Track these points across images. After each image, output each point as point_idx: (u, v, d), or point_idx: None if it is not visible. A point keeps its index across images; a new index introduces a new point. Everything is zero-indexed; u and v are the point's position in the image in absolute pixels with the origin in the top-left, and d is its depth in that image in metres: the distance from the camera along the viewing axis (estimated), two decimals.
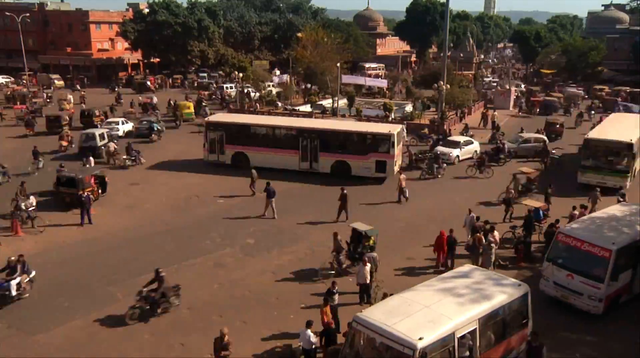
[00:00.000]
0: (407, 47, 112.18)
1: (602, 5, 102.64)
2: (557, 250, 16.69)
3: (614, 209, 19.18)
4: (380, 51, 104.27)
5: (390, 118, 45.41)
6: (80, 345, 14.38)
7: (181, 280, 17.97)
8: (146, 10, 76.03)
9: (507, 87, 63.14)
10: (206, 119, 33.97)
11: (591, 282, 15.47)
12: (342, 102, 50.47)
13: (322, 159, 29.80)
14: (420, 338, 10.64)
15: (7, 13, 74.25)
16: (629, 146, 27.22)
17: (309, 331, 13.29)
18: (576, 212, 21.29)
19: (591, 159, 27.93)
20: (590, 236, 16.22)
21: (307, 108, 50.57)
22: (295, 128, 30.80)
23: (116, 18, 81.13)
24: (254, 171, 27.20)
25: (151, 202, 25.81)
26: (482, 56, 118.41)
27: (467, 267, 14.61)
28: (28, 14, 70.40)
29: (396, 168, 29.50)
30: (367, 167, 29.15)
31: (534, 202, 23.02)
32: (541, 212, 21.94)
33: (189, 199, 26.24)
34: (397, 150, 29.61)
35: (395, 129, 30.10)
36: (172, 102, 49.77)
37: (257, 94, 56.25)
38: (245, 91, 55.13)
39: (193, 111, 46.17)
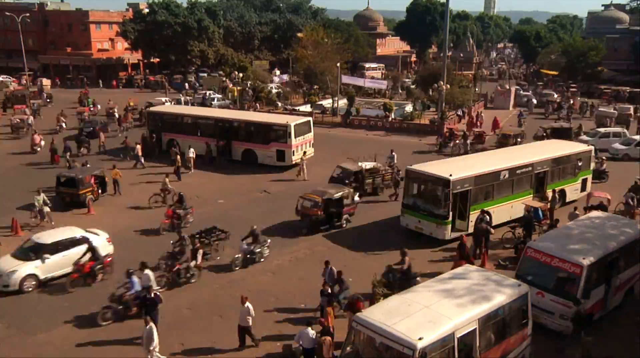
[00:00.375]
0: (407, 47, 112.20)
1: (602, 5, 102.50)
2: (526, 266, 15.64)
3: (585, 220, 18.19)
4: (380, 50, 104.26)
5: (390, 118, 45.49)
6: (80, 345, 14.39)
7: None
8: (146, 10, 75.99)
9: (507, 87, 63.16)
10: (147, 109, 38.46)
11: (562, 300, 14.55)
12: (342, 102, 50.53)
13: (234, 147, 32.39)
14: (420, 338, 10.68)
15: (7, 13, 74.26)
16: (446, 183, 20.23)
17: (309, 329, 13.30)
18: (578, 212, 21.32)
19: (412, 196, 21.77)
20: (560, 251, 15.23)
21: (307, 108, 50.59)
22: (213, 118, 33.97)
23: (116, 18, 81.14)
24: (178, 156, 29.71)
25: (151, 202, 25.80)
26: (483, 56, 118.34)
27: (467, 268, 14.60)
28: (28, 14, 70.43)
29: (295, 157, 30.93)
30: (269, 156, 31.46)
31: (533, 202, 23.02)
32: (541, 212, 21.95)
33: (189, 200, 26.20)
34: (298, 141, 31.35)
35: (294, 120, 32.18)
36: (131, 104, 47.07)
37: (252, 92, 55.92)
38: (250, 91, 54.92)
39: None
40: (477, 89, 60.82)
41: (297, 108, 49.86)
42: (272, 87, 58.54)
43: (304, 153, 31.63)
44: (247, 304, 14.21)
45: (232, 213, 24.27)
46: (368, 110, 49.78)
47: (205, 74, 74.64)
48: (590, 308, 14.89)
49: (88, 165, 28.54)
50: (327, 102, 52.30)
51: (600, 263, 15.04)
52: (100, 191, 25.80)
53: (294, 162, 30.83)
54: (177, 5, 74.24)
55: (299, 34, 72.00)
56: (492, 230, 20.13)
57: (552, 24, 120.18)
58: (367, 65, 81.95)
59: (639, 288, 16.97)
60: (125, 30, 72.94)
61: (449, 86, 47.23)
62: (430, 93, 52.00)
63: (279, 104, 52.25)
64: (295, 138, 31.00)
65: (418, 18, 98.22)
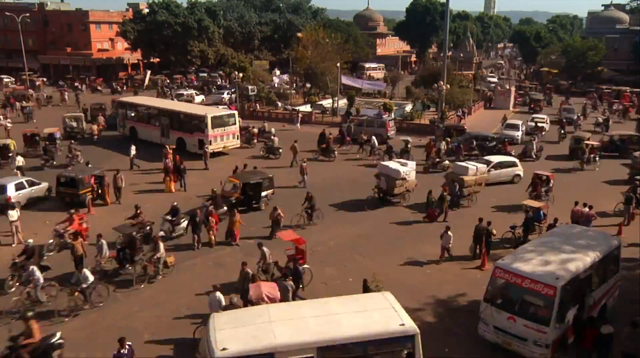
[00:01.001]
0: (407, 47, 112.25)
1: (602, 5, 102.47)
2: (495, 289, 14.33)
3: (554, 235, 16.83)
4: (380, 50, 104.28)
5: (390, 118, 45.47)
6: (81, 345, 14.39)
7: (181, 280, 18.06)
8: (146, 11, 76.09)
9: (507, 87, 63.19)
10: (117, 99, 43.06)
11: (535, 325, 13.29)
12: (342, 102, 50.55)
13: (171, 135, 35.31)
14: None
15: (7, 13, 74.39)
16: None
17: (218, 293, 14.46)
18: (578, 208, 21.32)
19: None
20: (531, 271, 13.84)
21: (307, 108, 50.61)
22: (157, 108, 37.07)
23: (116, 18, 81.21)
24: (133, 146, 31.59)
25: (151, 202, 25.78)
26: (483, 56, 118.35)
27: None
28: (28, 14, 70.56)
29: (213, 147, 33.03)
30: (194, 144, 33.76)
31: (533, 202, 23.02)
32: (541, 212, 21.95)
33: (189, 200, 26.22)
34: (216, 132, 33.43)
35: (212, 112, 34.79)
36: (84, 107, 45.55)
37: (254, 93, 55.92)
38: (252, 91, 54.93)
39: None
40: (483, 89, 60.74)
41: (297, 108, 49.85)
42: (275, 83, 58.45)
43: (224, 146, 34.11)
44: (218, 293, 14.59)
45: None
46: (368, 110, 49.77)
47: (205, 74, 74.75)
48: (565, 332, 13.77)
49: (89, 165, 28.50)
50: (327, 102, 52.32)
51: (573, 282, 13.87)
52: (99, 191, 25.65)
53: (212, 151, 32.74)
54: (177, 5, 74.33)
55: (299, 34, 72.00)
56: (494, 231, 20.17)
57: (552, 24, 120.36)
58: (367, 65, 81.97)
59: (611, 304, 16.14)
60: (125, 30, 73.00)
61: (449, 86, 47.23)
62: (427, 93, 51.97)
63: (279, 104, 52.25)
64: (212, 128, 33.10)
65: (418, 18, 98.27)
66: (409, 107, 50.11)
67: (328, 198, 26.15)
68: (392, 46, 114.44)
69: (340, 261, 19.60)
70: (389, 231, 22.52)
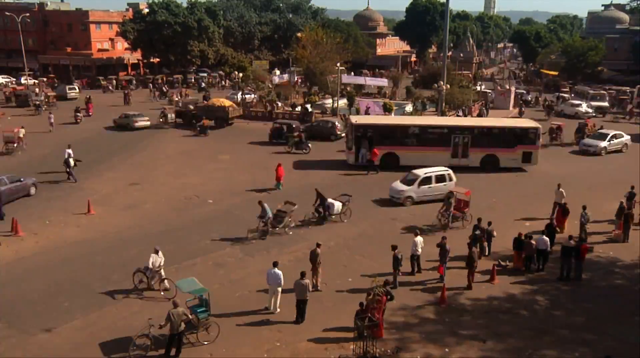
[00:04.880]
0: (407, 47, 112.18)
1: (602, 5, 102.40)
2: None
3: None
4: (380, 50, 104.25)
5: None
6: (80, 345, 14.39)
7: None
8: (146, 10, 75.99)
9: (507, 87, 63.12)
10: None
11: None
12: (342, 102, 50.51)
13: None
14: None
15: (7, 13, 74.38)
16: None
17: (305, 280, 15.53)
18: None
19: None
20: None
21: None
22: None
23: (116, 18, 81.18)
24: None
25: (151, 202, 25.82)
26: (483, 56, 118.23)
27: None
28: (28, 14, 70.47)
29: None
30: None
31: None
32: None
33: (189, 200, 26.25)
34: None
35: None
36: None
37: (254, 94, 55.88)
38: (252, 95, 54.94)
39: None
40: (485, 88, 60.56)
41: (298, 108, 49.79)
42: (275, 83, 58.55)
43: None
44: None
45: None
46: (371, 104, 49.73)
47: (206, 74, 74.67)
48: None
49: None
50: (327, 102, 52.29)
51: None
52: None
53: None
54: (177, 5, 74.24)
55: (299, 34, 71.93)
56: (494, 232, 20.20)
57: (552, 24, 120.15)
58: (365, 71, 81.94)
59: None
60: (125, 30, 72.94)
61: (449, 86, 47.21)
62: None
63: (279, 104, 52.19)
64: None
65: (418, 18, 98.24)
66: (408, 108, 50.08)
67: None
68: (392, 46, 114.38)
69: (341, 261, 19.60)
70: (389, 231, 22.49)
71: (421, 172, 25.94)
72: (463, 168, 30.63)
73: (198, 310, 14.62)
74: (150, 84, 64.56)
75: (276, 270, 15.89)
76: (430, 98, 51.17)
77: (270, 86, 58.08)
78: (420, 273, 18.75)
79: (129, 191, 27.38)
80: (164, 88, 62.48)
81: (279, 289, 15.93)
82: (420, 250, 18.57)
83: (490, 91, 62.55)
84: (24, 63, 63.41)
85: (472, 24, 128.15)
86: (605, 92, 59.75)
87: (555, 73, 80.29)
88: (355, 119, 33.79)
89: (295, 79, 65.44)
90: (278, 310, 15.99)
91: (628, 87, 65.84)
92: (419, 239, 18.64)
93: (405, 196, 25.51)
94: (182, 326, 13.66)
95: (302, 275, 15.67)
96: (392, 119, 38.75)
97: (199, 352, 14.16)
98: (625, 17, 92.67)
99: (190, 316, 14.09)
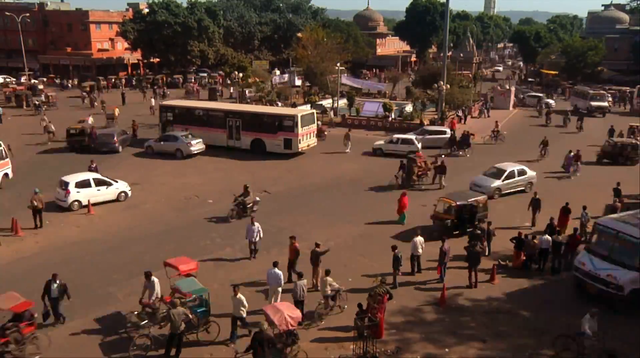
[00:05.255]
0: (407, 47, 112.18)
1: (602, 5, 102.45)
2: None
3: None
4: (380, 50, 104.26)
5: (390, 118, 45.49)
6: (80, 345, 14.38)
7: None
8: (146, 10, 76.04)
9: (507, 87, 63.14)
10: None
11: None
12: (342, 102, 50.53)
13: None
14: None
15: (7, 13, 74.43)
16: None
17: (276, 269, 15.83)
18: None
19: None
20: None
21: (307, 108, 50.54)
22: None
23: (116, 18, 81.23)
24: None
25: (151, 202, 25.82)
26: (483, 56, 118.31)
27: None
28: (28, 14, 70.60)
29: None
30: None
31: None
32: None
33: (189, 200, 26.26)
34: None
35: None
36: None
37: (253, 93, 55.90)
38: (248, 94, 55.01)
39: None
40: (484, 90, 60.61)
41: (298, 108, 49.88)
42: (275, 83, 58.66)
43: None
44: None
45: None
46: (369, 104, 49.85)
47: (206, 74, 74.69)
48: None
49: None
50: (327, 102, 52.31)
51: None
52: None
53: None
54: (177, 5, 74.30)
55: (299, 34, 71.99)
56: (494, 232, 20.20)
57: (552, 24, 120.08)
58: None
59: None
60: (125, 30, 72.98)
61: (449, 86, 47.21)
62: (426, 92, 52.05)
63: (279, 104, 52.23)
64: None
65: (418, 18, 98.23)
66: (408, 108, 50.09)
67: (328, 197, 26.16)
68: (392, 46, 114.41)
69: (341, 261, 19.59)
70: (389, 231, 22.50)
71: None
72: (237, 150, 34.77)
73: (198, 310, 14.62)
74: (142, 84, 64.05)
75: (276, 270, 15.91)
76: (429, 97, 51.17)
77: (273, 84, 58.25)
78: (420, 273, 18.76)
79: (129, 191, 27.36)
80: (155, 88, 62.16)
81: (279, 289, 15.95)
82: (420, 250, 18.58)
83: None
84: (24, 63, 63.47)
85: (472, 24, 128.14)
86: (605, 92, 59.77)
87: (555, 73, 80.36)
88: (164, 102, 40.45)
89: (298, 82, 65.57)
90: None
91: (628, 87, 65.91)
92: (419, 239, 18.65)
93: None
94: (182, 326, 13.67)
95: (300, 275, 15.71)
96: (189, 103, 42.06)
97: (199, 352, 14.17)
98: (625, 17, 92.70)
99: (190, 316, 14.09)
